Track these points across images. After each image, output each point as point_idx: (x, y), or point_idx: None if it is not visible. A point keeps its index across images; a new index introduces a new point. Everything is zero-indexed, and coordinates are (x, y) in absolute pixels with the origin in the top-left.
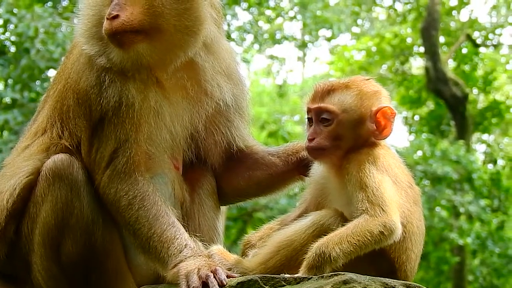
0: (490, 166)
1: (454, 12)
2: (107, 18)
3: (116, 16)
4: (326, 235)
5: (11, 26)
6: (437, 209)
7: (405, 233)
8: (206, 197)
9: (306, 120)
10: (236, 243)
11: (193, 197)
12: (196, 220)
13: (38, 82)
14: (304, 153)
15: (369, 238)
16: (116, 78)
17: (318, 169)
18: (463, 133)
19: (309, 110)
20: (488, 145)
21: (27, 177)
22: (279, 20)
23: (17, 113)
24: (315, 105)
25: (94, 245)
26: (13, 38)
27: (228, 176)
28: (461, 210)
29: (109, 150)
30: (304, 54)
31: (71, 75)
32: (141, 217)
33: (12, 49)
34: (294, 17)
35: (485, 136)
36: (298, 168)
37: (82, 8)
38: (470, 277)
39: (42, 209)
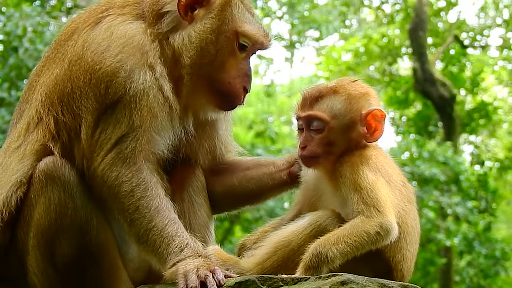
0: (477, 167)
1: (442, 13)
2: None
3: None
4: (323, 235)
5: None
6: (424, 210)
7: (400, 233)
8: (196, 194)
9: (297, 128)
10: (223, 243)
11: (182, 195)
12: (187, 218)
13: (25, 81)
14: (296, 167)
15: (366, 238)
16: (153, 72)
17: (310, 171)
18: (450, 134)
19: (298, 118)
20: (476, 146)
21: (20, 181)
22: (267, 20)
23: (4, 112)
24: (305, 113)
25: (88, 245)
26: (1, 36)
27: (215, 185)
28: (448, 211)
29: (118, 134)
30: (292, 55)
31: (90, 57)
32: (142, 207)
33: (0, 47)
34: (282, 17)
35: (472, 137)
36: (288, 179)
37: None
38: (457, 278)
39: (35, 211)
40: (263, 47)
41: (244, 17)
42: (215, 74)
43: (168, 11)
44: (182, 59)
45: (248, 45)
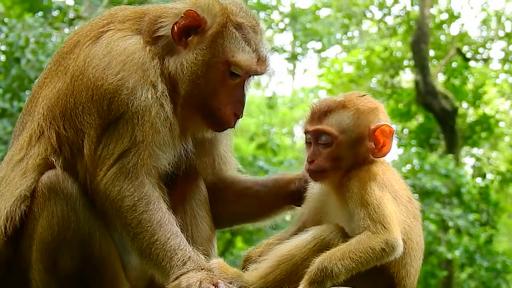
0: (479, 180)
1: (444, 26)
2: None
3: None
4: (326, 250)
5: (2, 36)
6: (426, 222)
7: (405, 249)
8: (198, 207)
9: (305, 141)
10: (224, 255)
11: (185, 207)
12: (189, 231)
13: (27, 92)
14: (294, 186)
15: (371, 254)
16: (155, 90)
17: (316, 186)
18: (452, 147)
19: (307, 132)
20: (477, 159)
21: (24, 195)
22: (269, 31)
23: (6, 123)
24: (313, 128)
25: (91, 257)
26: (3, 47)
27: (215, 201)
28: (450, 224)
29: (121, 149)
30: (294, 66)
31: (92, 73)
32: (145, 221)
33: (2, 58)
34: (284, 28)
35: (474, 150)
36: (288, 200)
37: None
38: None
39: (38, 224)
40: (257, 73)
41: (237, 46)
42: (206, 101)
43: (162, 35)
44: (177, 88)
45: (240, 73)
